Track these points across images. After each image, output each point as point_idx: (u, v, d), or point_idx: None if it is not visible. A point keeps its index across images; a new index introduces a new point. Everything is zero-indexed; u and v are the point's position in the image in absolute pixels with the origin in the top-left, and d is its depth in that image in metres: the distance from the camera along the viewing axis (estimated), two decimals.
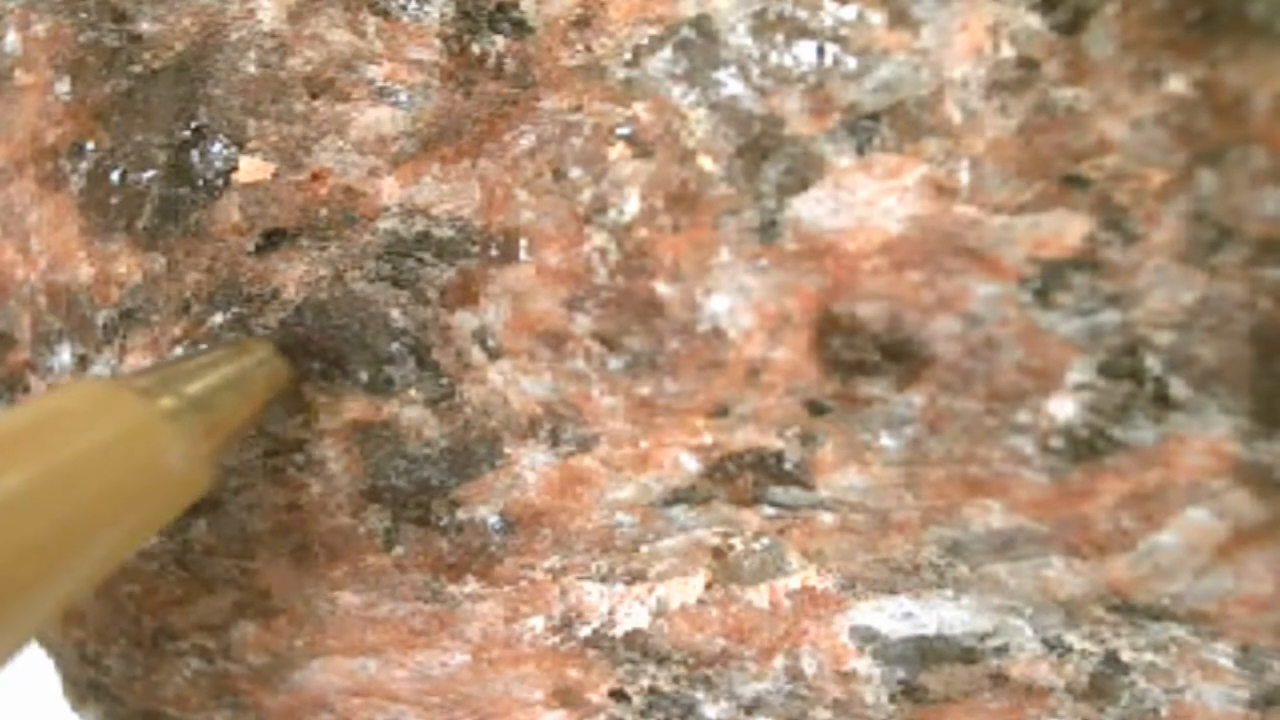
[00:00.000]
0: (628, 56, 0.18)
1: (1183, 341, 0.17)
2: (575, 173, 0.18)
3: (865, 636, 0.20)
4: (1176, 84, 0.16)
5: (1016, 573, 0.18)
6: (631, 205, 0.18)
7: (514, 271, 0.19)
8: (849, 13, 0.17)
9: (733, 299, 0.18)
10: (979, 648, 0.19)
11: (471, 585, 0.21)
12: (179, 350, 0.20)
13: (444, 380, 0.20)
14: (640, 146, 0.18)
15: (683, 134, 0.18)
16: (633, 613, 0.20)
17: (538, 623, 0.21)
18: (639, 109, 0.18)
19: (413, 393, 0.20)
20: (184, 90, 0.20)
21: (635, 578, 0.20)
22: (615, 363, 0.19)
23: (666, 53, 0.18)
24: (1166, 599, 0.18)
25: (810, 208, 0.17)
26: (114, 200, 0.20)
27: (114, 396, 0.16)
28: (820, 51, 0.17)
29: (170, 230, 0.20)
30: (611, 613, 0.20)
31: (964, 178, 0.17)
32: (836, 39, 0.17)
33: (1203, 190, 0.16)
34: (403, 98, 0.19)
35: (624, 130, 0.18)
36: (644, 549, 0.20)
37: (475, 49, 0.19)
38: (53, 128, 0.21)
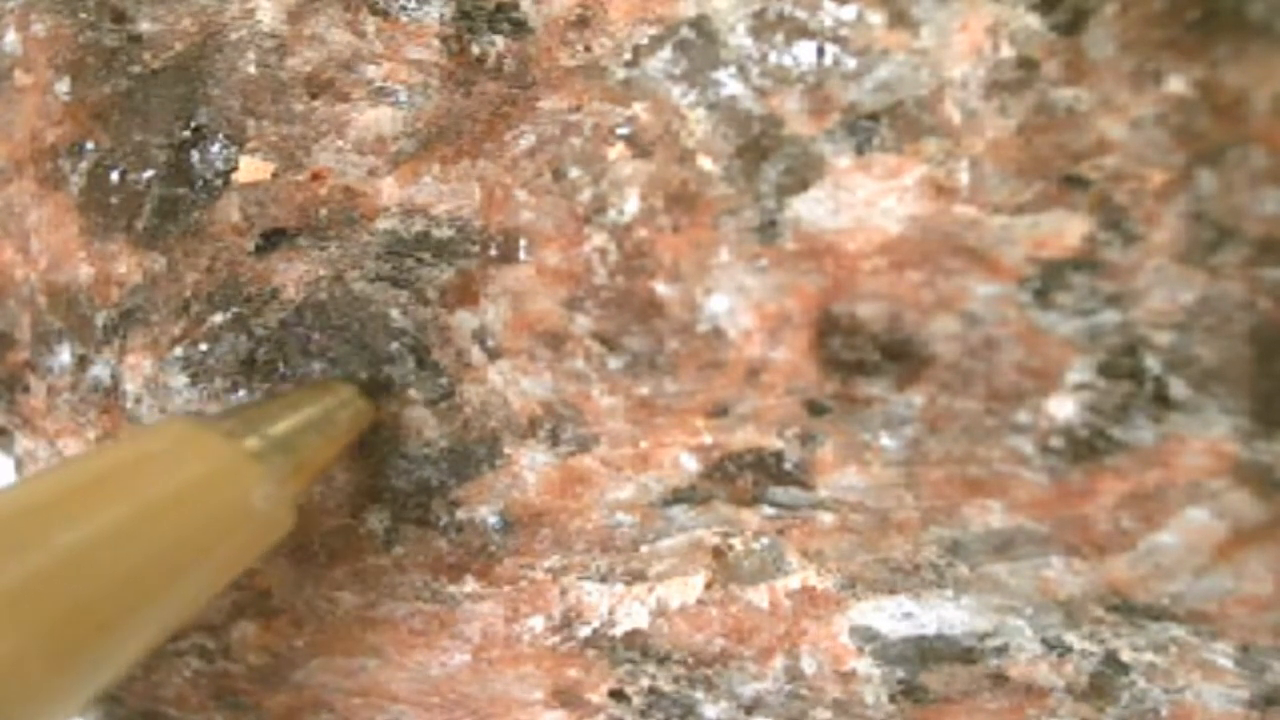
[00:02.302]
0: (627, 56, 0.18)
1: (1182, 341, 0.17)
2: (575, 173, 0.18)
3: (865, 636, 0.20)
4: (1176, 84, 0.16)
5: (1016, 573, 0.18)
6: (631, 205, 0.18)
7: (514, 271, 0.19)
8: (849, 13, 0.17)
9: (732, 299, 0.18)
10: (979, 648, 0.19)
11: (471, 585, 0.21)
12: (178, 350, 0.20)
13: (444, 380, 0.20)
14: (640, 146, 0.18)
15: (682, 134, 0.18)
16: (633, 613, 0.20)
17: (537, 623, 0.21)
18: (638, 109, 0.18)
19: (413, 393, 0.20)
20: (184, 90, 0.20)
21: (635, 578, 0.20)
22: (615, 363, 0.19)
23: (666, 53, 0.18)
24: (1166, 599, 0.18)
25: (810, 208, 0.17)
26: (114, 200, 0.20)
27: (200, 437, 0.16)
28: (820, 51, 0.17)
29: (170, 230, 0.20)
30: (611, 613, 0.20)
31: (964, 178, 0.17)
32: (836, 39, 0.17)
33: (1202, 190, 0.16)
34: (402, 98, 0.19)
35: (623, 130, 0.18)
36: (644, 549, 0.20)
37: (475, 49, 0.19)
38: (52, 128, 0.21)
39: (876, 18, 0.17)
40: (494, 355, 0.19)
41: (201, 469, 0.16)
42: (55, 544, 0.13)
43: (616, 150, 0.18)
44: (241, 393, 0.20)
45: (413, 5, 0.19)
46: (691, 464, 0.19)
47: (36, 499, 0.14)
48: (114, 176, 0.20)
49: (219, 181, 0.20)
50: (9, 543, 0.13)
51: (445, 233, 0.19)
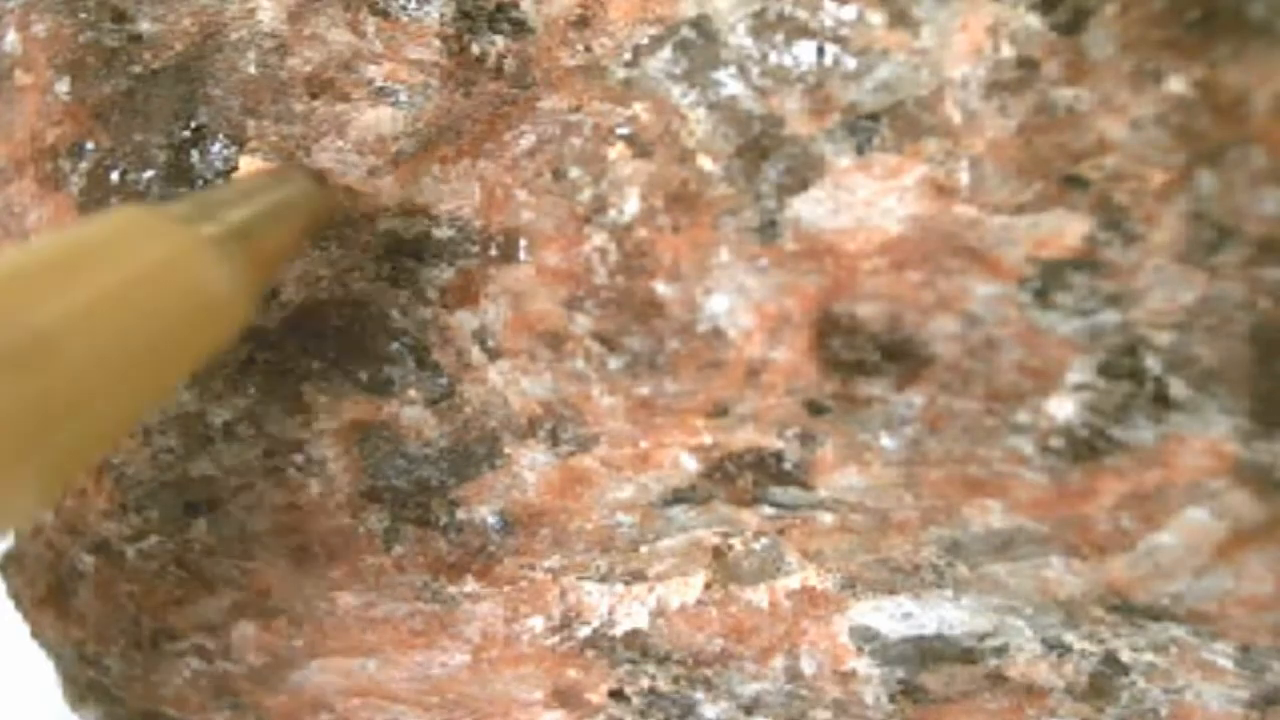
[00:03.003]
0: (627, 57, 0.18)
1: (1182, 341, 0.17)
2: (575, 173, 0.18)
3: (865, 636, 0.20)
4: (1176, 84, 0.16)
5: (1016, 573, 0.18)
6: (631, 205, 0.18)
7: (514, 271, 0.19)
8: (849, 13, 0.17)
9: (732, 299, 0.18)
10: (978, 648, 0.19)
11: (471, 585, 0.21)
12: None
13: (444, 380, 0.20)
14: (640, 146, 0.18)
15: (682, 134, 0.18)
16: (632, 613, 0.20)
17: (537, 623, 0.21)
18: (639, 109, 0.18)
19: (412, 393, 0.20)
20: (184, 90, 0.20)
21: (635, 578, 0.20)
22: (615, 363, 0.19)
23: (666, 53, 0.18)
24: (1166, 599, 0.18)
25: (810, 208, 0.17)
26: (114, 200, 0.20)
27: (154, 223, 0.16)
28: (820, 51, 0.17)
29: None
30: (611, 613, 0.20)
31: (964, 178, 0.17)
32: (836, 39, 0.17)
33: (1202, 190, 0.16)
34: (402, 98, 0.19)
35: (624, 130, 0.18)
36: (643, 549, 0.20)
37: (475, 49, 0.19)
38: (52, 128, 0.21)
39: (876, 18, 0.17)
40: (494, 355, 0.19)
41: (156, 254, 0.15)
42: (8, 337, 0.13)
43: (616, 150, 0.18)
44: (241, 393, 0.20)
45: (413, 5, 0.19)
46: (691, 464, 0.19)
47: None
48: (114, 176, 0.20)
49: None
50: None
51: (445, 233, 0.19)
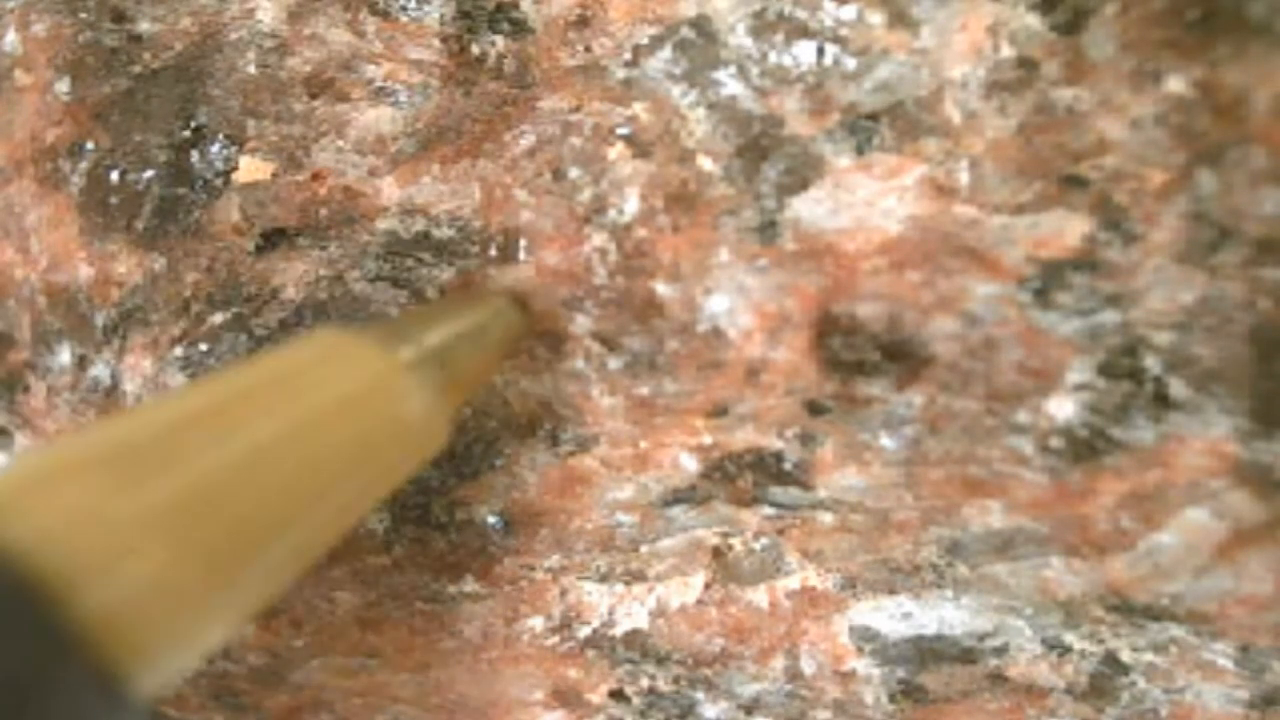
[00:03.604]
0: (627, 57, 0.18)
1: (1182, 341, 0.17)
2: (575, 173, 0.18)
3: (865, 636, 0.20)
4: (1176, 84, 0.16)
5: (1016, 573, 0.18)
6: (631, 205, 0.18)
7: (514, 271, 0.19)
8: (848, 13, 0.17)
9: (732, 299, 0.18)
10: (979, 648, 0.19)
11: (471, 585, 0.21)
12: (178, 350, 0.20)
13: None
14: (640, 146, 0.18)
15: (682, 134, 0.18)
16: (632, 613, 0.20)
17: (537, 623, 0.21)
18: (638, 109, 0.18)
19: None
20: (184, 90, 0.20)
21: (635, 578, 0.20)
22: (615, 363, 0.19)
23: (666, 53, 0.18)
24: (1166, 599, 0.18)
25: (810, 208, 0.17)
26: (113, 200, 0.20)
27: (353, 347, 0.16)
28: (820, 51, 0.17)
29: (170, 230, 0.20)
30: (611, 613, 0.20)
31: (963, 178, 0.17)
32: (836, 39, 0.17)
33: (1202, 190, 0.16)
34: (402, 98, 0.19)
35: (623, 130, 0.18)
36: (644, 549, 0.20)
37: (475, 49, 0.19)
38: (52, 128, 0.21)
39: (876, 18, 0.17)
40: None
41: (355, 380, 0.15)
42: (209, 458, 0.13)
43: (616, 150, 0.18)
44: None
45: (413, 5, 0.19)
46: (691, 464, 0.19)
47: (188, 413, 0.14)
48: (114, 176, 0.20)
49: (219, 181, 0.20)
50: (162, 457, 0.13)
51: (445, 233, 0.19)
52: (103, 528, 0.12)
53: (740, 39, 0.18)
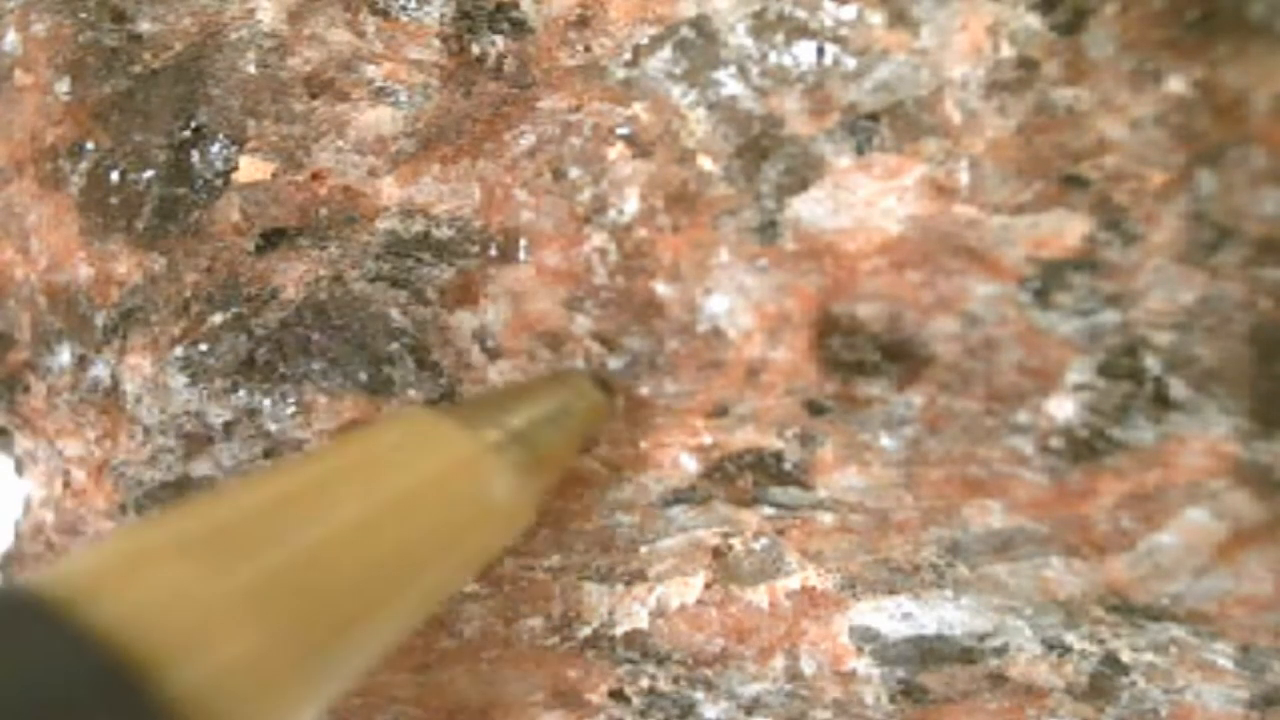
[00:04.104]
0: (627, 56, 0.18)
1: (1182, 341, 0.17)
2: (575, 173, 0.18)
3: (865, 637, 0.19)
4: (1176, 84, 0.16)
5: (1016, 573, 0.18)
6: (631, 205, 0.18)
7: (514, 271, 0.19)
8: (848, 13, 0.17)
9: (732, 299, 0.18)
10: (978, 648, 0.19)
11: (470, 585, 0.20)
12: (178, 350, 0.20)
13: (443, 380, 0.20)
14: (640, 146, 0.18)
15: (682, 134, 0.18)
16: (632, 613, 0.20)
17: (537, 623, 0.21)
18: (638, 109, 0.18)
19: (412, 393, 0.20)
20: (184, 90, 0.20)
21: (635, 578, 0.20)
22: (615, 363, 0.19)
23: (666, 53, 0.18)
24: (1166, 599, 0.18)
25: (810, 208, 0.17)
26: (114, 200, 0.20)
27: (439, 429, 0.16)
28: (820, 51, 0.17)
29: (170, 230, 0.20)
30: (611, 613, 0.20)
31: (963, 178, 0.17)
32: (836, 39, 0.17)
33: (1202, 190, 0.16)
34: (402, 98, 0.19)
35: (623, 130, 0.18)
36: (644, 549, 0.20)
37: (475, 49, 0.19)
38: (52, 128, 0.21)
39: (876, 18, 0.17)
40: (494, 355, 0.19)
41: (442, 462, 0.16)
42: (297, 540, 0.13)
43: (616, 150, 0.18)
44: (241, 393, 0.20)
45: (413, 5, 0.19)
46: (691, 464, 0.19)
47: (277, 494, 0.14)
48: (114, 176, 0.20)
49: (219, 181, 0.20)
50: (252, 538, 0.13)
51: (445, 233, 0.19)
52: (193, 608, 0.12)
53: (740, 39, 0.18)
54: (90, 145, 0.21)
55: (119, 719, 0.11)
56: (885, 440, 0.18)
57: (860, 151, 0.17)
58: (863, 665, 0.20)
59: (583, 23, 0.18)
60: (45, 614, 0.11)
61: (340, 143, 0.19)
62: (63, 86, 0.21)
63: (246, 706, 0.12)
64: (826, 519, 0.19)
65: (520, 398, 0.18)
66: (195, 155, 0.20)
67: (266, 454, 0.20)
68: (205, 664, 0.12)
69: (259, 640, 0.12)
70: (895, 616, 0.19)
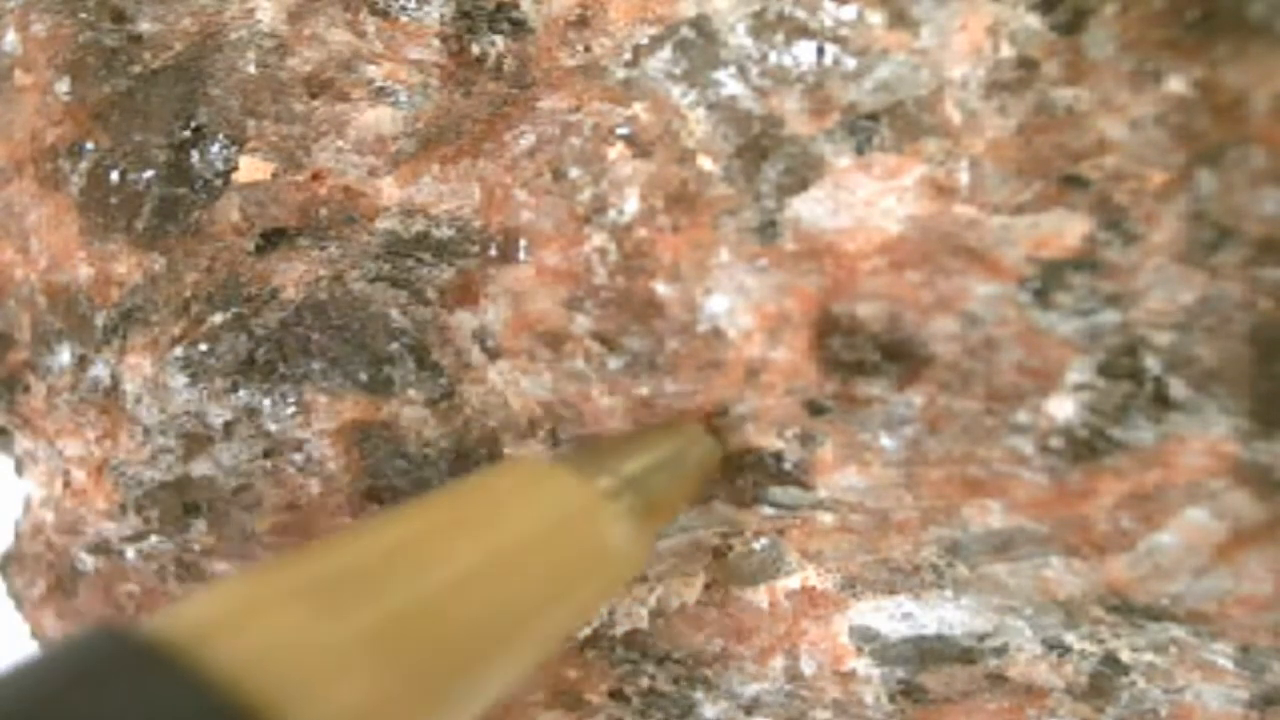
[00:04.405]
0: (627, 56, 0.18)
1: (1182, 342, 0.17)
2: (575, 173, 0.18)
3: (864, 637, 0.20)
4: (1176, 84, 0.16)
5: (1016, 573, 0.18)
6: (631, 205, 0.18)
7: (513, 271, 0.19)
8: (848, 13, 0.17)
9: (732, 299, 0.18)
10: (978, 648, 0.19)
11: None
12: (178, 350, 0.20)
13: (443, 380, 0.20)
14: (640, 146, 0.18)
15: (682, 134, 0.18)
16: (632, 613, 0.20)
17: None
18: (638, 109, 0.18)
19: (412, 393, 0.20)
20: (183, 90, 0.20)
21: (634, 578, 0.20)
22: (615, 363, 0.19)
23: (666, 53, 0.18)
24: (1166, 599, 0.18)
25: (809, 208, 0.17)
26: (113, 200, 0.20)
27: (553, 476, 0.16)
28: (820, 51, 0.17)
29: (170, 230, 0.20)
30: (611, 613, 0.20)
31: (963, 178, 0.17)
32: (836, 39, 0.17)
33: (1202, 190, 0.16)
34: (402, 98, 0.19)
35: (623, 130, 0.18)
36: None
37: (475, 49, 0.19)
38: (52, 128, 0.21)
39: (876, 18, 0.17)
40: (494, 355, 0.19)
41: (557, 509, 0.16)
42: (414, 586, 0.13)
43: (616, 150, 0.18)
44: (241, 393, 0.20)
45: (413, 5, 0.19)
46: None
47: (393, 540, 0.14)
48: (114, 176, 0.20)
49: (219, 181, 0.20)
50: (369, 585, 0.13)
51: (445, 233, 0.19)
52: (309, 653, 0.12)
53: (740, 39, 0.18)
54: (90, 145, 0.21)
55: None
56: (885, 440, 0.18)
57: (860, 151, 0.17)
58: (862, 665, 0.20)
59: (583, 23, 0.18)
60: (162, 658, 0.11)
61: (340, 143, 0.19)
62: (63, 86, 0.21)
63: None
64: (826, 519, 0.19)
65: (634, 445, 0.18)
66: (195, 155, 0.20)
67: (266, 454, 0.20)
68: (322, 708, 0.12)
69: (375, 687, 0.12)
70: (895, 616, 0.19)
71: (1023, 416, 0.17)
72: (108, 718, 0.11)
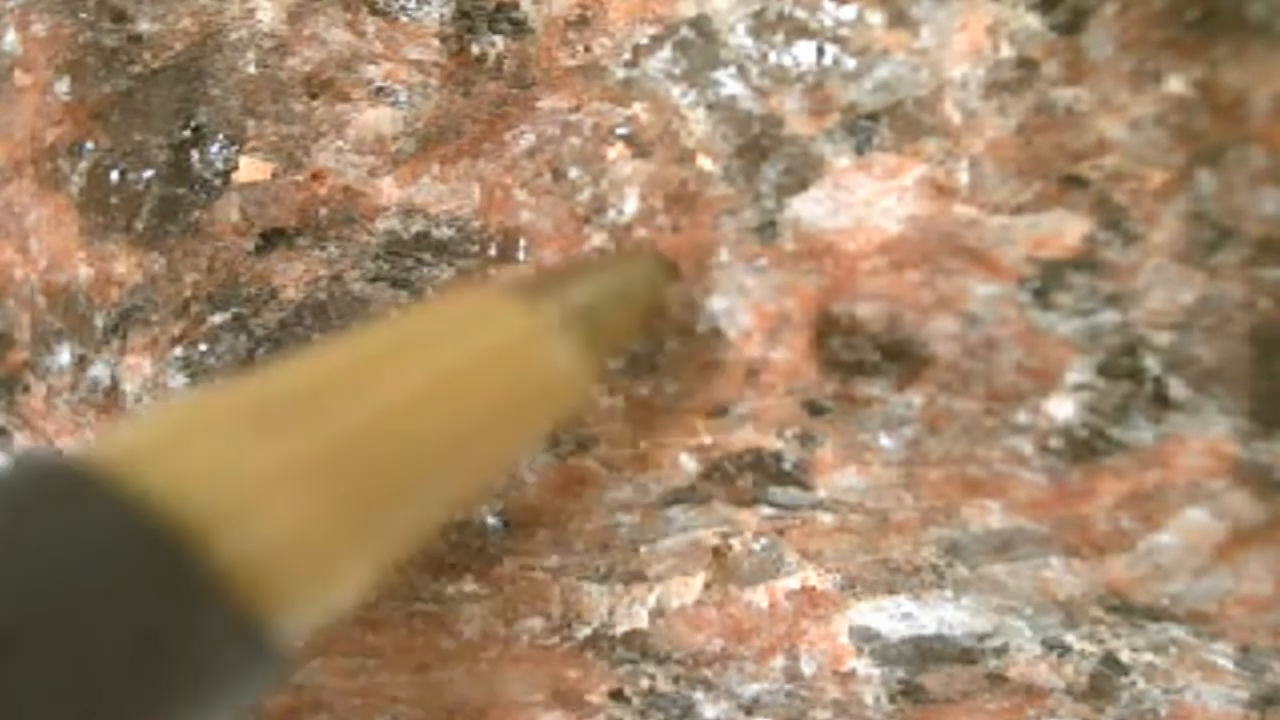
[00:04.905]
0: (627, 57, 0.18)
1: (1182, 341, 0.17)
2: (574, 173, 0.18)
3: (864, 637, 0.19)
4: (1176, 84, 0.16)
5: (1015, 573, 0.18)
6: (630, 205, 0.18)
7: (513, 271, 0.19)
8: (848, 13, 0.17)
9: (732, 299, 0.18)
10: (978, 648, 0.19)
11: (470, 585, 0.21)
12: (178, 350, 0.20)
13: None
14: (639, 146, 0.18)
15: (682, 134, 0.18)
16: (632, 613, 0.20)
17: (536, 623, 0.21)
18: (638, 109, 0.18)
19: None
20: (183, 90, 0.20)
21: (634, 578, 0.20)
22: (615, 363, 0.19)
23: (665, 53, 0.18)
24: (1166, 599, 0.18)
25: (809, 208, 0.17)
26: (113, 200, 0.20)
27: (497, 304, 0.16)
28: (819, 51, 0.17)
29: (170, 230, 0.20)
30: (611, 613, 0.20)
31: (963, 178, 0.17)
32: (836, 39, 0.17)
33: (1202, 190, 0.16)
34: (402, 98, 0.19)
35: (623, 130, 0.18)
36: (643, 549, 0.20)
37: (474, 49, 0.19)
38: (52, 128, 0.21)
39: (876, 18, 0.17)
40: None
41: (501, 335, 0.15)
42: (351, 411, 0.13)
43: (616, 150, 0.18)
44: None
45: (413, 5, 0.19)
46: (691, 464, 0.19)
47: (331, 367, 0.14)
48: (114, 176, 0.20)
49: (219, 181, 0.20)
50: (304, 409, 0.13)
51: (445, 233, 0.19)
52: (243, 476, 0.12)
53: (740, 39, 0.18)
54: (90, 145, 0.21)
55: (167, 586, 0.11)
56: (885, 440, 0.18)
57: (860, 151, 0.17)
58: (862, 665, 0.20)
59: (583, 23, 0.18)
60: (93, 482, 0.11)
61: (340, 143, 0.19)
62: (62, 86, 0.21)
63: (295, 573, 0.12)
64: (826, 519, 0.19)
65: (582, 274, 0.18)
66: (195, 155, 0.20)
67: None
68: (256, 532, 0.12)
69: (309, 508, 0.12)
70: (895, 616, 0.19)
71: (1022, 416, 0.17)
72: (33, 542, 0.11)
